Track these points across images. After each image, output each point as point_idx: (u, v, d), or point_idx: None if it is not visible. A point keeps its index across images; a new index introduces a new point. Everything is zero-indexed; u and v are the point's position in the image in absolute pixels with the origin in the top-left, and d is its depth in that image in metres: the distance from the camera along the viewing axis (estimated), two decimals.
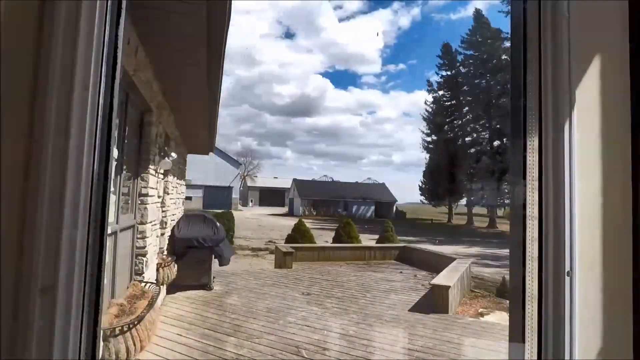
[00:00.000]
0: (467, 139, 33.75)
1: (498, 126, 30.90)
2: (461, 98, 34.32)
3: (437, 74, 36.51)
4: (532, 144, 1.13)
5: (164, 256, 6.36)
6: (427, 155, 36.18)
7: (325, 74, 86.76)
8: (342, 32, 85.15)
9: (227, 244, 7.52)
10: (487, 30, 32.05)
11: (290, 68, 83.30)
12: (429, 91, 36.73)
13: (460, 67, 34.86)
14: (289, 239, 12.83)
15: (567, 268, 1.07)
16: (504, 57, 30.39)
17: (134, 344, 3.29)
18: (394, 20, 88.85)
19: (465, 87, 34.22)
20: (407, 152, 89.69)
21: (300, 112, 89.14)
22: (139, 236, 4.62)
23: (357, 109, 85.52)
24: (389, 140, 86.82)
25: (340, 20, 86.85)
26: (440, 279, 6.88)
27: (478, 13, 33.53)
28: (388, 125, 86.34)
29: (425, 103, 36.48)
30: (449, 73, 35.73)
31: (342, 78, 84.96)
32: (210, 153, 11.93)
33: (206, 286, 6.92)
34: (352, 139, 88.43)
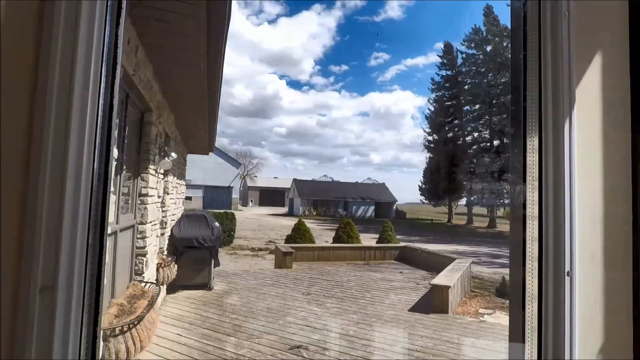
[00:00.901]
0: (467, 138, 33.74)
1: (498, 126, 30.89)
2: (461, 97, 34.29)
3: (438, 73, 36.53)
4: (532, 144, 1.13)
5: (164, 256, 6.36)
6: (428, 155, 36.19)
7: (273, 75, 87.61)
8: (272, 34, 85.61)
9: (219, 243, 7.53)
10: (497, 27, 31.73)
11: (236, 69, 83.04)
12: (430, 90, 36.73)
13: (462, 67, 34.79)
14: (289, 239, 12.83)
15: (567, 268, 1.07)
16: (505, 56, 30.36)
17: (134, 344, 3.28)
18: (321, 22, 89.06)
19: (466, 86, 34.15)
20: (384, 152, 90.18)
21: (261, 113, 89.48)
22: (139, 236, 4.62)
23: (315, 109, 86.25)
24: (360, 140, 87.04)
25: (269, 22, 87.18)
26: (440, 279, 6.89)
27: (489, 9, 33.13)
28: (351, 125, 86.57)
29: (428, 101, 36.48)
30: (449, 72, 35.70)
31: (289, 81, 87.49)
32: (210, 153, 11.93)
33: (206, 286, 6.92)
34: (322, 139, 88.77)
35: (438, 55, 36.70)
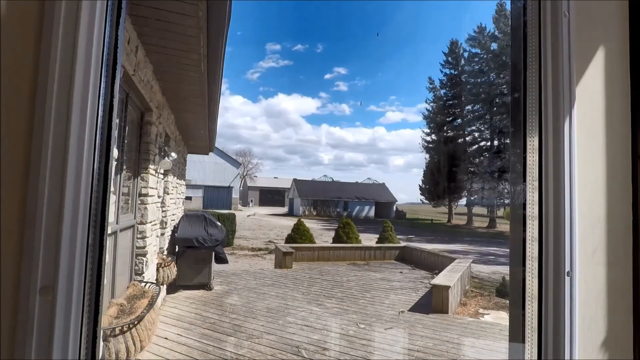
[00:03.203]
0: (467, 138, 33.71)
1: (499, 125, 30.86)
2: (462, 97, 34.23)
3: (441, 71, 36.42)
4: (532, 144, 1.13)
5: (164, 256, 6.36)
6: (427, 155, 36.16)
7: None
8: None
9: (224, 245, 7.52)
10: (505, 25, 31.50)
11: None
12: (430, 90, 36.65)
13: (465, 66, 34.68)
14: (289, 239, 12.83)
15: (567, 268, 1.07)
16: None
17: (134, 344, 3.28)
18: None
19: (468, 86, 34.07)
20: (356, 152, 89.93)
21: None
22: (139, 236, 4.62)
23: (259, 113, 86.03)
24: (329, 140, 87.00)
25: None
26: (440, 279, 6.89)
27: (502, 6, 32.92)
28: (301, 127, 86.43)
29: (426, 102, 36.41)
30: (453, 72, 35.61)
31: None
32: (210, 153, 11.92)
33: (206, 286, 6.92)
34: (285, 141, 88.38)
35: (443, 53, 36.55)
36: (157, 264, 5.60)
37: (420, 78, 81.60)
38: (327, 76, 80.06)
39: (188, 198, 28.55)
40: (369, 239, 14.85)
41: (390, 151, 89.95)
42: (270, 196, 49.65)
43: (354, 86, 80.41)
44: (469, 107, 34.09)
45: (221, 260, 7.11)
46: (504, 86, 30.59)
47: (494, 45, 32.31)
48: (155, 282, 5.19)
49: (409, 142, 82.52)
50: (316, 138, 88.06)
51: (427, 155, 36.12)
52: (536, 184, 1.12)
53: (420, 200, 36.80)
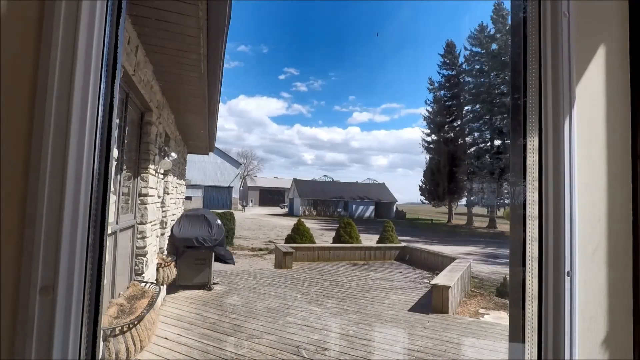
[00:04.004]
0: (467, 138, 33.69)
1: (499, 125, 30.83)
2: (461, 97, 34.21)
3: (439, 72, 36.38)
4: (532, 144, 1.13)
5: (164, 256, 6.36)
6: (427, 156, 36.14)
7: None
8: None
9: (223, 244, 7.51)
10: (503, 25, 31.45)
11: None
12: (429, 90, 36.62)
13: (464, 65, 34.63)
14: (289, 239, 12.83)
15: (567, 268, 1.06)
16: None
17: (134, 344, 3.28)
18: None
19: (468, 86, 34.03)
20: (336, 152, 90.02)
21: None
22: (139, 236, 4.62)
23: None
24: (301, 141, 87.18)
25: None
26: (440, 279, 6.89)
27: (499, 5, 32.85)
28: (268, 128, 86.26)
29: (426, 102, 36.37)
30: (450, 72, 35.58)
31: None
32: (210, 153, 11.93)
33: (206, 286, 6.92)
34: (261, 141, 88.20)
35: (440, 54, 36.54)
36: (157, 264, 5.60)
37: (380, 79, 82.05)
38: (281, 77, 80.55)
39: (188, 198, 28.54)
40: (369, 239, 14.84)
41: (368, 151, 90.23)
42: (270, 196, 49.65)
43: (311, 86, 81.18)
44: (469, 107, 34.07)
45: (223, 260, 7.10)
46: (504, 86, 30.56)
47: (493, 46, 32.29)
48: (155, 282, 5.19)
49: (382, 142, 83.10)
50: (289, 138, 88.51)
51: (428, 156, 36.12)
52: (536, 184, 1.12)
53: (420, 200, 36.81)
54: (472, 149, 32.88)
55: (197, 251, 6.79)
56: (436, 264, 9.88)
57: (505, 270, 10.88)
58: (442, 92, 35.91)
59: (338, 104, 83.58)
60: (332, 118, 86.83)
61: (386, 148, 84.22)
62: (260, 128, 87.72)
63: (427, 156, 36.22)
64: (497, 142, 31.27)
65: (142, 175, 4.60)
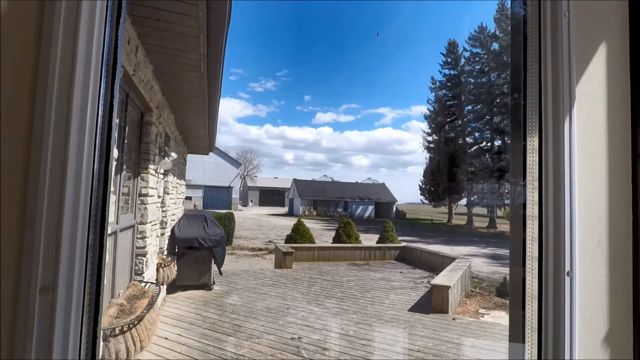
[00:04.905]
0: (467, 138, 33.68)
1: (500, 125, 30.81)
2: (463, 97, 34.19)
3: (440, 72, 36.34)
4: (532, 144, 1.13)
5: (164, 256, 6.36)
6: (428, 155, 36.14)
7: None
8: None
9: (223, 246, 7.48)
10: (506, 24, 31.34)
11: None
12: (431, 89, 36.60)
13: (465, 65, 34.58)
14: (289, 239, 12.83)
15: (567, 268, 1.06)
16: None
17: (134, 344, 3.29)
18: None
19: (469, 86, 33.98)
20: (315, 152, 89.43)
21: None
22: (139, 236, 4.62)
23: None
24: (271, 141, 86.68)
25: None
26: (440, 279, 6.89)
27: (502, 5, 32.76)
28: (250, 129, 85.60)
29: (427, 102, 36.35)
30: (452, 72, 35.55)
31: None
32: (210, 153, 11.93)
33: (206, 286, 6.92)
34: (236, 142, 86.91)
35: (442, 54, 36.50)
36: (157, 264, 5.60)
37: (338, 79, 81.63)
38: (231, 77, 78.75)
39: (188, 198, 28.54)
40: (369, 239, 14.84)
41: (349, 151, 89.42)
42: (270, 196, 49.65)
43: (265, 86, 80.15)
44: (469, 107, 34.05)
45: (216, 262, 7.08)
46: (505, 86, 30.54)
47: (495, 45, 32.25)
48: (155, 282, 5.19)
49: (353, 142, 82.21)
50: (258, 137, 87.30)
51: (428, 155, 36.11)
52: (536, 184, 1.12)
53: (421, 200, 36.81)
54: (473, 149, 32.89)
55: (197, 251, 6.79)
56: (436, 264, 9.88)
57: (505, 269, 10.87)
58: (444, 91, 35.91)
59: (299, 104, 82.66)
60: (296, 118, 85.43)
61: (358, 148, 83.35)
62: (227, 128, 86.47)
63: (427, 155, 36.23)
64: (498, 142, 31.27)
65: (142, 175, 4.60)
